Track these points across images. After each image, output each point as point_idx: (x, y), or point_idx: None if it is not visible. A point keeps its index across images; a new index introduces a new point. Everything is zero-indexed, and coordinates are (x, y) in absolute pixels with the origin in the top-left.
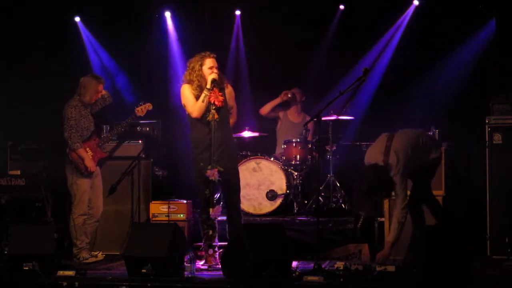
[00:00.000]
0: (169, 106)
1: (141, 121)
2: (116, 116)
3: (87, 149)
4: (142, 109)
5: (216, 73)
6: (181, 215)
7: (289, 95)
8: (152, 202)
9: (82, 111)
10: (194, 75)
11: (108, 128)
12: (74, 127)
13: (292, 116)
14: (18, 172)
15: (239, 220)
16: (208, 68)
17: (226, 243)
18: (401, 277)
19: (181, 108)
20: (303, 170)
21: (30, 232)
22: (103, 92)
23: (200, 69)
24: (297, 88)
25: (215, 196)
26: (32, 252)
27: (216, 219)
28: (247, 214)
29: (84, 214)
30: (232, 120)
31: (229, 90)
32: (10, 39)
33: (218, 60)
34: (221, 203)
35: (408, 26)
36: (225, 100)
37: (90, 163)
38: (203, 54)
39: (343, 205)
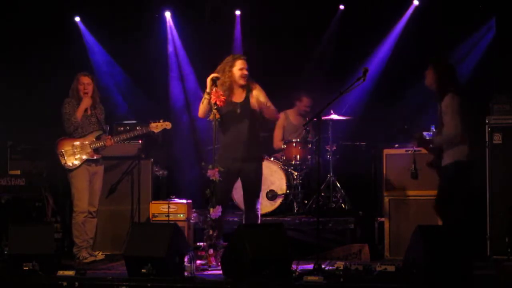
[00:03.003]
0: (169, 105)
1: (141, 122)
2: (116, 117)
3: (77, 146)
4: (157, 126)
5: (215, 74)
6: (181, 215)
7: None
8: (152, 202)
9: (76, 108)
10: (226, 77)
11: (108, 128)
12: (72, 122)
13: (293, 117)
14: (18, 172)
15: (255, 221)
16: (239, 69)
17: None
18: (401, 277)
19: (182, 108)
20: (303, 170)
21: (30, 232)
22: (88, 81)
23: (230, 71)
24: (307, 98)
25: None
26: (32, 252)
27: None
28: None
29: (83, 211)
30: (272, 115)
31: (257, 89)
32: (10, 39)
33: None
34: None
35: (408, 26)
36: (246, 101)
37: (70, 157)
38: (234, 56)
39: (343, 205)
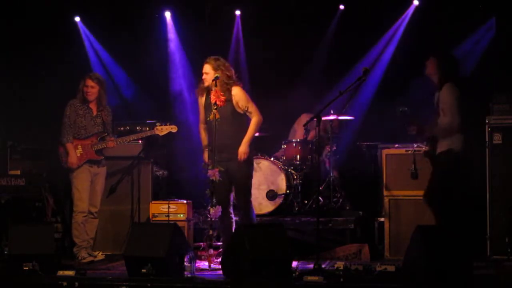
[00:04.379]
0: (169, 105)
1: (141, 122)
2: (116, 116)
3: (79, 146)
4: (163, 129)
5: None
6: (181, 215)
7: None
8: (152, 202)
9: (79, 110)
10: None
11: (110, 129)
12: (66, 124)
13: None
14: (18, 172)
15: (249, 220)
16: (203, 73)
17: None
18: (401, 277)
19: (182, 108)
20: (303, 170)
21: (30, 232)
22: (92, 84)
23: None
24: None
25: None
26: (32, 252)
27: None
28: None
29: (82, 211)
30: (255, 119)
31: (235, 92)
32: (10, 39)
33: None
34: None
35: (408, 26)
36: (228, 101)
37: (72, 159)
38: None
39: (343, 205)
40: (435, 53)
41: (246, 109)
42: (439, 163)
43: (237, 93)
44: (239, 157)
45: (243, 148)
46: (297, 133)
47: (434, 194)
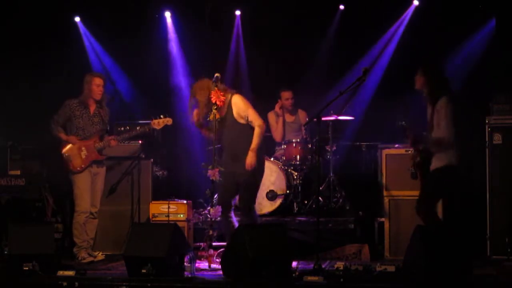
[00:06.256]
0: (168, 105)
1: (141, 121)
2: (116, 116)
3: (83, 148)
4: (159, 122)
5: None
6: (181, 215)
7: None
8: (152, 202)
9: (76, 111)
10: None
11: (108, 127)
12: (54, 119)
13: (286, 116)
14: (18, 172)
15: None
16: None
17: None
18: (401, 277)
19: (182, 108)
20: (303, 170)
21: (30, 232)
22: (101, 82)
23: None
24: (285, 92)
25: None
26: (32, 252)
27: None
28: None
29: (84, 212)
30: (257, 127)
31: (234, 101)
32: (10, 39)
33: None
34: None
35: (408, 26)
36: (229, 107)
37: (77, 160)
38: None
39: (343, 205)
40: (422, 68)
41: (246, 118)
42: (434, 177)
43: (236, 102)
44: (247, 167)
45: (250, 159)
46: (273, 135)
47: (423, 204)
